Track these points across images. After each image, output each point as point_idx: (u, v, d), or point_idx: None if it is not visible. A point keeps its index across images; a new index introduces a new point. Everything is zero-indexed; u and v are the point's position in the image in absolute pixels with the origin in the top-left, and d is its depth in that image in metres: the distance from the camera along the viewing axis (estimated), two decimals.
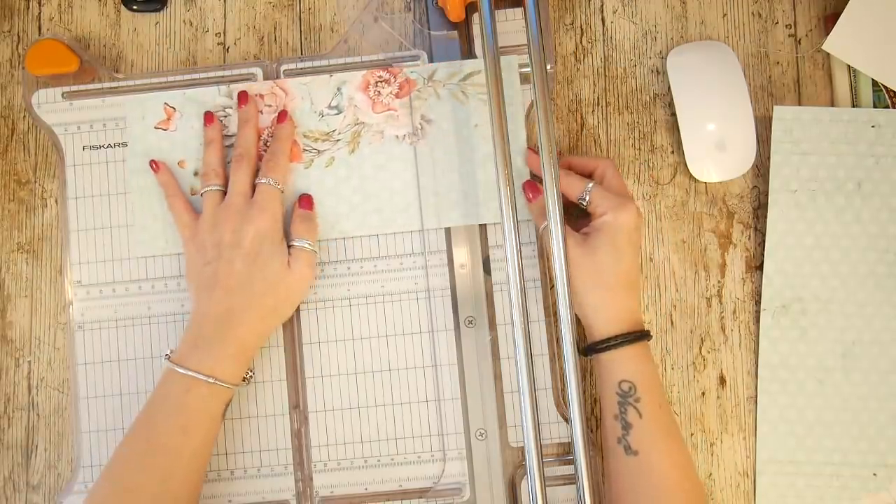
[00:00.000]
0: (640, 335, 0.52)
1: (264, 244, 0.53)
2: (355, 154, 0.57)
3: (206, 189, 0.55)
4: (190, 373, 0.50)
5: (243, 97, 0.57)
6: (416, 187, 0.57)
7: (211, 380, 0.51)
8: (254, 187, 0.55)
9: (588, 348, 0.53)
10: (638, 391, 0.51)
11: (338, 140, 0.58)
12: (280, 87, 0.58)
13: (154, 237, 0.57)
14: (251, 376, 0.55)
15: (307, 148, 0.58)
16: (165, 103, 0.58)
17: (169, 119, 0.58)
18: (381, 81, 0.58)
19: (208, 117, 0.57)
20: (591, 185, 0.53)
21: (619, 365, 0.51)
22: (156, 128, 0.58)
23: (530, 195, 0.55)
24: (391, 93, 0.58)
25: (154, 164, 0.57)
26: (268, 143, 0.57)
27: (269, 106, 0.58)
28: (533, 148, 0.57)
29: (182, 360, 0.51)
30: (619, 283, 0.52)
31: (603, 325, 0.52)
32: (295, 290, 0.54)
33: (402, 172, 0.57)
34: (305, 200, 0.56)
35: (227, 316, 0.52)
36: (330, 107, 0.58)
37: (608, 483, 0.53)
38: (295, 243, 0.54)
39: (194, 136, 0.58)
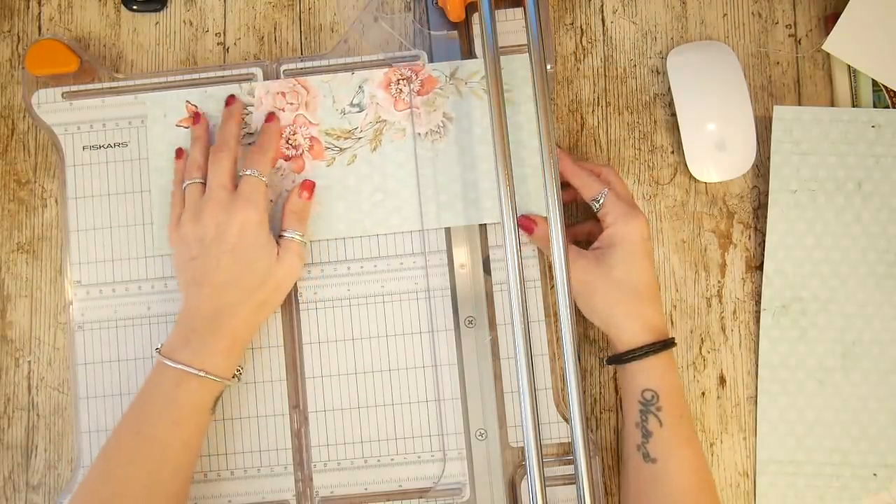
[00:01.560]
0: (664, 344, 0.51)
1: (250, 237, 0.52)
2: (377, 152, 0.57)
3: (189, 183, 0.55)
4: (180, 366, 0.50)
5: (230, 99, 0.57)
6: (436, 185, 0.57)
7: (202, 374, 0.50)
8: (232, 180, 0.54)
9: (613, 359, 0.53)
10: (660, 400, 0.51)
11: (360, 138, 0.58)
12: (302, 85, 0.58)
13: None
14: (240, 373, 0.55)
15: (329, 146, 0.58)
16: (187, 101, 0.58)
17: (191, 116, 0.58)
18: (403, 79, 0.58)
19: (196, 117, 0.57)
20: (607, 189, 0.53)
21: (644, 374, 0.51)
22: (177, 125, 0.58)
23: (530, 227, 0.55)
24: (413, 90, 0.58)
25: (180, 152, 0.57)
26: (289, 139, 0.57)
27: (292, 104, 0.58)
28: (524, 215, 0.56)
29: (172, 354, 0.51)
30: (641, 294, 0.52)
31: (629, 337, 0.52)
32: (284, 281, 0.54)
33: (423, 170, 0.57)
34: (307, 186, 0.56)
35: (217, 312, 0.52)
36: (352, 104, 0.58)
37: (624, 489, 0.53)
38: (285, 234, 0.54)
39: (215, 134, 0.57)
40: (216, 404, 0.53)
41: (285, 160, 0.57)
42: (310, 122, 0.58)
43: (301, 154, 0.58)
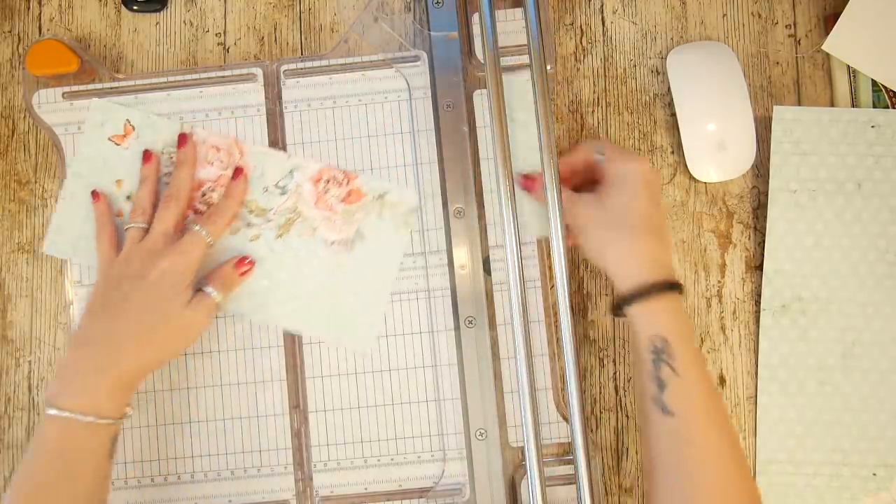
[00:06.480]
0: (669, 285, 0.48)
1: (168, 282, 0.51)
2: (282, 240, 0.57)
3: (131, 226, 0.53)
4: (65, 413, 0.47)
5: (183, 139, 0.56)
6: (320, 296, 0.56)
7: (90, 419, 0.47)
8: (177, 229, 0.54)
9: (617, 305, 0.50)
10: (672, 347, 0.47)
11: (270, 220, 0.57)
12: (238, 148, 0.57)
13: (65, 241, 0.57)
14: (130, 414, 0.51)
15: (239, 216, 0.57)
16: (127, 119, 0.57)
17: (125, 136, 0.57)
18: (334, 181, 0.57)
19: (146, 156, 0.56)
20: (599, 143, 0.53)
21: (651, 319, 0.48)
22: (109, 139, 0.57)
23: (532, 186, 0.55)
24: (338, 195, 0.57)
25: (95, 195, 0.56)
26: (205, 195, 0.56)
27: (221, 161, 0.57)
28: (526, 174, 0.56)
29: (57, 399, 0.48)
30: (638, 227, 0.49)
31: (626, 278, 0.49)
32: (187, 330, 0.52)
33: (316, 276, 0.56)
34: (246, 265, 0.55)
35: (106, 341, 0.49)
36: (277, 185, 0.57)
37: (645, 446, 0.50)
38: (205, 289, 0.53)
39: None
40: (114, 446, 0.49)
41: (194, 213, 0.56)
42: None
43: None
